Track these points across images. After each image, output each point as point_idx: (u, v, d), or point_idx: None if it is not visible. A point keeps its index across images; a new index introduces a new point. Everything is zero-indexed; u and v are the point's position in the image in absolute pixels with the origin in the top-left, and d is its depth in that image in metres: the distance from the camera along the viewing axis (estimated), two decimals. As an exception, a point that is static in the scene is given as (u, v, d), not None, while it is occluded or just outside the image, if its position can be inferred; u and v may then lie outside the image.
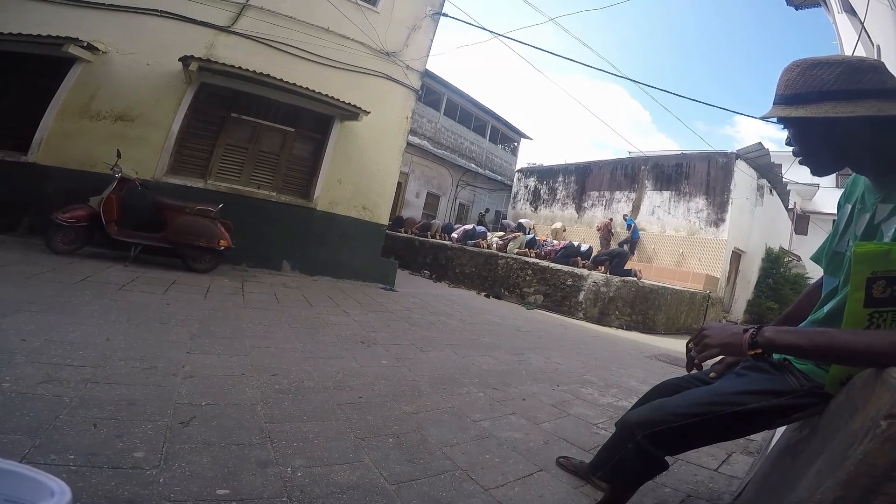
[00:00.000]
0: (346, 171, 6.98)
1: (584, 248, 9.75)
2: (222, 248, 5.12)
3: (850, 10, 5.00)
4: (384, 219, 7.59)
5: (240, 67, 5.73)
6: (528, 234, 11.38)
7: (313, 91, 6.18)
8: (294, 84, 6.06)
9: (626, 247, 11.31)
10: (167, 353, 2.46)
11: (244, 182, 6.29)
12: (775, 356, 1.18)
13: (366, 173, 7.22)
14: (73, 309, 2.93)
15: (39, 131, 5.25)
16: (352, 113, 6.57)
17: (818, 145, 0.98)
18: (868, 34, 4.36)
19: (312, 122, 6.72)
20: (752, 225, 12.46)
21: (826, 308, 1.06)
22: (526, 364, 3.80)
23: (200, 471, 1.42)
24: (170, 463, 1.43)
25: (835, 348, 0.84)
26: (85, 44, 5.26)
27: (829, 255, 1.13)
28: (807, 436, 0.99)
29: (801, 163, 1.03)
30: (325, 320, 4.03)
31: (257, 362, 2.60)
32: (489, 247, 10.20)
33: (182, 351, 2.54)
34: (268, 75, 5.86)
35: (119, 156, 4.85)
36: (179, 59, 5.60)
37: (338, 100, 6.38)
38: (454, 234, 11.31)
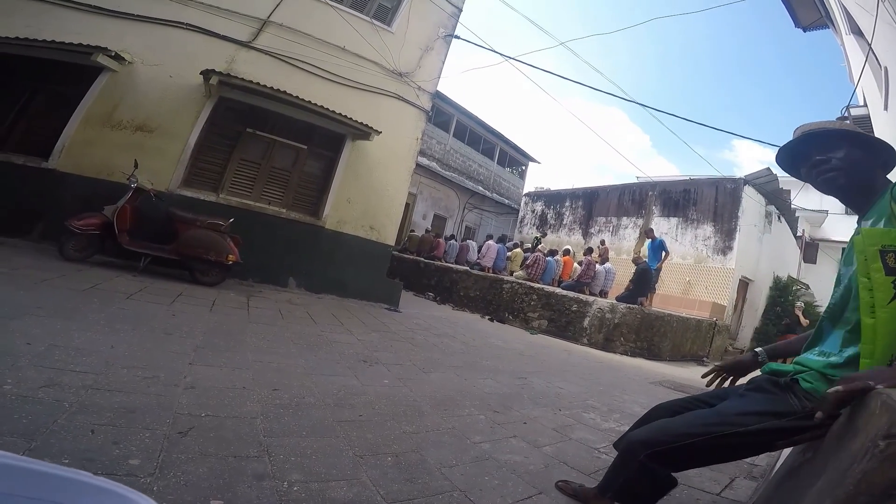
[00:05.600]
0: (355, 191, 7.06)
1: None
2: (230, 262, 5.16)
3: (858, 32, 5.09)
4: (391, 239, 7.62)
5: (258, 83, 5.89)
6: (527, 252, 11.27)
7: (327, 109, 6.33)
8: (309, 101, 6.20)
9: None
10: (170, 363, 2.46)
11: (255, 197, 6.38)
12: (780, 378, 1.18)
13: (375, 193, 7.29)
14: (80, 315, 2.96)
15: (62, 138, 5.39)
16: (364, 132, 6.68)
17: (855, 165, 1.18)
18: (875, 56, 4.42)
19: (325, 140, 6.84)
20: (760, 253, 12.37)
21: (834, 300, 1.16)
22: (528, 388, 3.75)
23: (196, 480, 1.41)
24: (165, 471, 1.42)
25: None
26: (113, 53, 5.44)
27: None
28: (810, 458, 0.98)
29: (825, 175, 1.21)
30: (328, 338, 4.02)
31: (259, 376, 2.59)
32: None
33: (185, 362, 2.55)
34: (284, 92, 6.01)
35: (136, 166, 4.96)
36: (201, 73, 5.76)
37: (351, 118, 6.51)
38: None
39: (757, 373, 1.38)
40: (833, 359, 1.09)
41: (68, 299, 3.30)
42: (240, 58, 6.25)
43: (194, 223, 5.12)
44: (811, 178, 1.24)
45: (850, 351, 1.04)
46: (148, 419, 1.76)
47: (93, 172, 5.44)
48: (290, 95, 6.05)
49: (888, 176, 1.20)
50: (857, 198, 1.20)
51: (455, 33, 8.23)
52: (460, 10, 8.33)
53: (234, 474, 1.50)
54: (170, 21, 5.93)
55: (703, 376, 1.56)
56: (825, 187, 1.22)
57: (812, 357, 1.17)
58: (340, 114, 6.43)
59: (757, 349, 1.51)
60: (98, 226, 4.72)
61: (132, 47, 5.71)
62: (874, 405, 0.75)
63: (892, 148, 1.20)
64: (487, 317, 8.88)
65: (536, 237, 13.51)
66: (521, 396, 3.42)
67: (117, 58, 5.52)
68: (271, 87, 5.94)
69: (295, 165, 6.72)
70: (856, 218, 1.22)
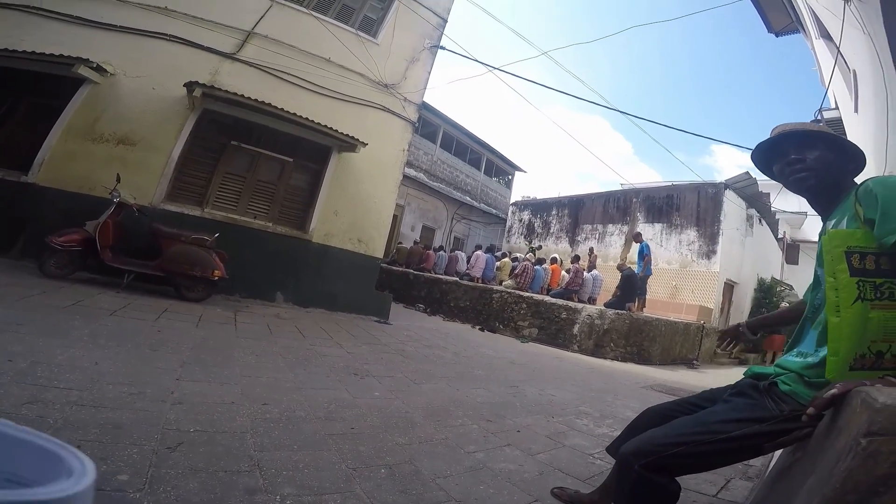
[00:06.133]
0: (342, 204, 7.02)
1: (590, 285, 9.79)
2: (216, 278, 5.09)
3: (828, 36, 5.23)
4: (379, 252, 7.56)
5: (242, 95, 5.83)
6: (515, 262, 11.30)
7: (313, 121, 6.30)
8: (294, 114, 6.15)
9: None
10: (156, 379, 2.42)
11: (241, 211, 6.31)
12: (760, 381, 1.20)
13: (362, 206, 7.25)
14: (63, 332, 2.89)
15: (42, 151, 5.26)
16: (350, 144, 6.66)
17: (828, 166, 1.21)
18: (844, 59, 4.56)
19: (311, 152, 6.80)
20: (743, 256, 12.60)
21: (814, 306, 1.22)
22: (520, 396, 3.75)
23: (186, 496, 1.38)
24: (154, 487, 1.39)
25: None
26: (95, 65, 5.34)
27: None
28: (800, 458, 1.00)
29: (797, 173, 1.25)
30: (317, 351, 3.98)
31: (248, 391, 2.55)
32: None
33: (171, 378, 2.50)
34: (269, 104, 5.96)
35: (118, 180, 4.87)
36: (184, 85, 5.68)
37: (336, 130, 6.48)
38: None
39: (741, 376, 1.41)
40: (810, 359, 1.11)
41: (50, 316, 3.22)
42: (224, 70, 6.20)
43: (179, 238, 5.04)
44: (783, 177, 1.28)
45: (824, 351, 1.06)
46: (135, 435, 1.72)
47: (74, 187, 5.31)
48: (275, 107, 6.01)
49: (855, 180, 1.24)
50: (823, 199, 1.24)
51: (440, 44, 8.28)
52: (445, 21, 8.41)
53: (226, 489, 1.47)
54: (153, 32, 5.86)
55: (721, 348, 1.70)
56: (795, 186, 1.27)
57: (792, 359, 1.19)
58: (326, 126, 6.40)
59: (740, 322, 1.63)
60: (80, 242, 4.62)
61: (114, 59, 5.62)
62: (855, 403, 0.77)
63: (863, 154, 1.24)
64: (478, 327, 8.88)
65: (532, 248, 13.63)
66: (514, 405, 3.42)
67: (99, 69, 5.42)
68: (255, 99, 5.89)
69: (281, 178, 6.67)
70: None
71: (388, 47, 7.52)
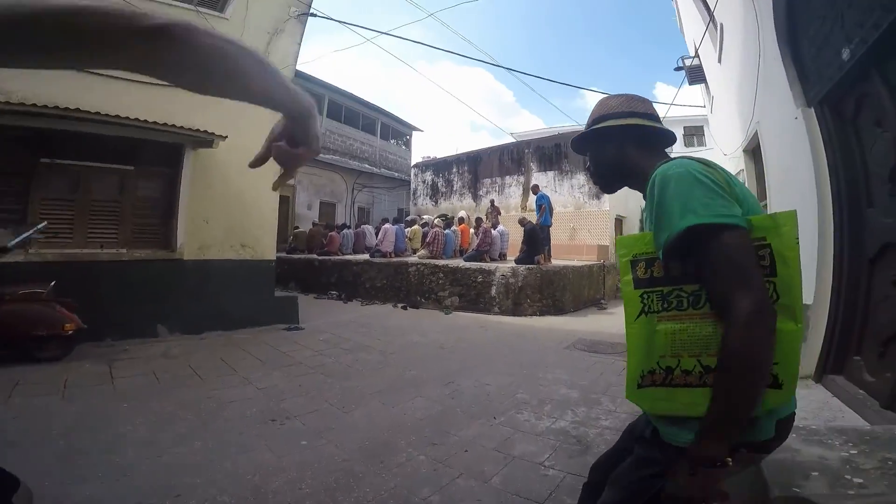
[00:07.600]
0: (211, 208, 5.97)
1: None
2: (70, 332, 4.12)
3: None
4: (270, 252, 6.67)
5: (34, 105, 4.46)
6: (425, 227, 11.11)
7: (145, 120, 5.08)
8: (117, 115, 4.89)
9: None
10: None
11: (80, 243, 5.08)
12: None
13: (237, 206, 6.23)
14: None
15: None
16: (204, 140, 5.57)
17: (603, 162, 1.14)
18: (710, 11, 4.73)
19: (156, 154, 5.56)
20: (628, 191, 13.64)
21: None
22: (458, 396, 3.62)
23: None
24: None
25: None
26: None
27: None
28: None
29: (595, 182, 1.23)
30: (221, 398, 3.41)
31: (150, 480, 2.13)
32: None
33: (42, 483, 1.94)
34: (77, 109, 4.63)
35: None
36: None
37: (182, 127, 5.34)
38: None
39: None
40: None
41: None
42: (6, 74, 4.48)
43: (2, 299, 3.92)
44: None
45: None
46: None
47: None
48: (88, 112, 4.70)
49: (662, 151, 1.10)
50: (636, 185, 1.09)
51: (311, 11, 7.26)
52: (315, -14, 7.36)
53: None
54: None
55: None
56: (603, 191, 1.26)
57: None
58: (164, 123, 5.20)
59: None
60: None
61: None
62: None
63: (637, 124, 1.07)
64: (400, 305, 8.66)
65: (443, 215, 13.55)
66: (455, 412, 3.28)
67: None
68: (56, 107, 4.54)
69: (123, 193, 5.43)
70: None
71: (242, 21, 6.29)
